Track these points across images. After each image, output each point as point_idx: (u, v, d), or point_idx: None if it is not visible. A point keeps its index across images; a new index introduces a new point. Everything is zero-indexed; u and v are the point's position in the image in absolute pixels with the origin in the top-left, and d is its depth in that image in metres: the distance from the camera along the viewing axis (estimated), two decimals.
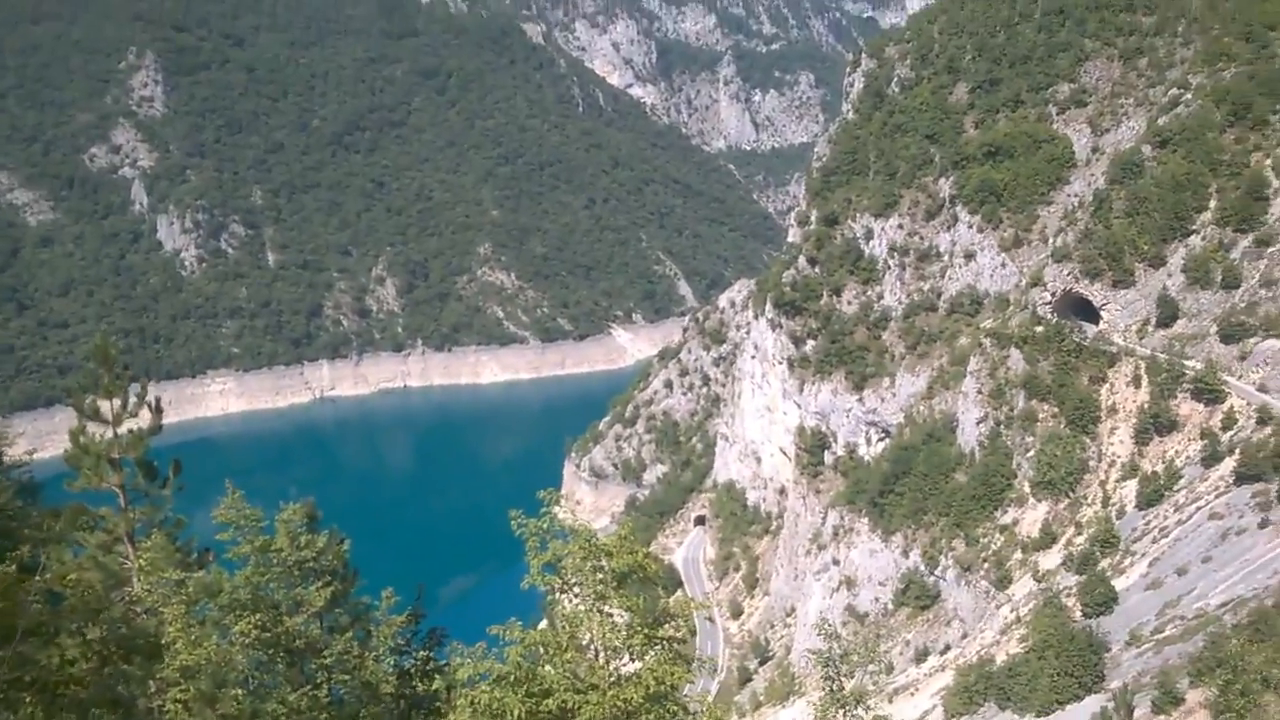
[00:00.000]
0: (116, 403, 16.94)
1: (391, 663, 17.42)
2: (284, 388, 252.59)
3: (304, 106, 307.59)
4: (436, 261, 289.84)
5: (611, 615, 15.19)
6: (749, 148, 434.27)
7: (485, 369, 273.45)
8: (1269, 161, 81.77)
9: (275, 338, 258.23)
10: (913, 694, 77.28)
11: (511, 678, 14.18)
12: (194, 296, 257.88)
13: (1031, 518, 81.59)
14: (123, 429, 17.00)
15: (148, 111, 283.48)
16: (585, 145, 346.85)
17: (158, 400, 17.70)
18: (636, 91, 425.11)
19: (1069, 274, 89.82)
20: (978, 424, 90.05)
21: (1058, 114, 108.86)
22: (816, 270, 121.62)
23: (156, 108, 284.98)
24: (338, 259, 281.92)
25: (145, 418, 17.46)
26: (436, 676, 16.78)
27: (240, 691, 15.29)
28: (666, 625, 15.81)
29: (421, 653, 17.23)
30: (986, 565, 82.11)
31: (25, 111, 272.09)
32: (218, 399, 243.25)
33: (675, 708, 15.04)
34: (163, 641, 14.56)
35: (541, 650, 14.98)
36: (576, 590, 15.43)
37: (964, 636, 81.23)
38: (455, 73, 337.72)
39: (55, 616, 12.46)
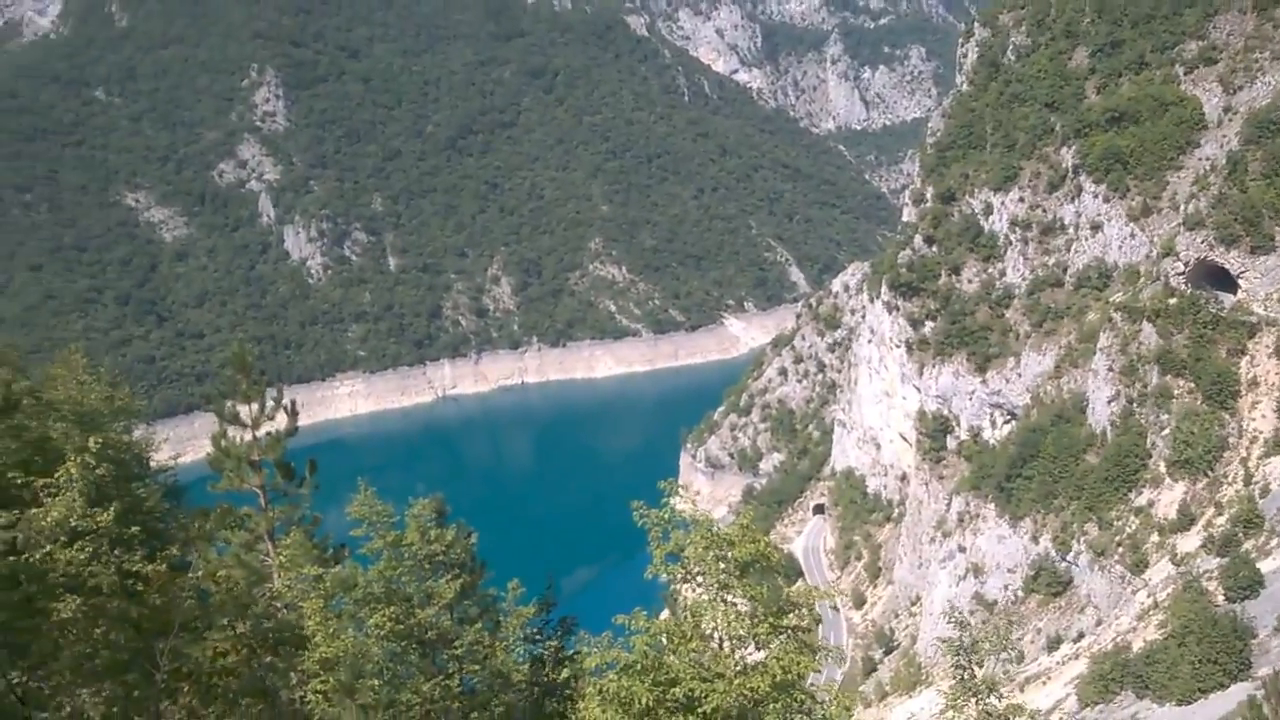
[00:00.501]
0: (254, 407, 17.81)
1: (522, 652, 17.85)
2: (408, 388, 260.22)
3: (418, 113, 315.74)
4: (549, 259, 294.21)
5: (735, 604, 15.24)
6: (859, 127, 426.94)
7: (600, 363, 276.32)
8: None
9: (398, 339, 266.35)
10: (1045, 683, 75.04)
11: (638, 666, 14.37)
12: (321, 303, 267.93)
13: (1168, 498, 78.08)
14: (261, 432, 17.85)
15: (271, 126, 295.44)
16: (692, 135, 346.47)
17: (293, 403, 18.52)
18: (742, 77, 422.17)
19: (1203, 242, 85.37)
20: (1109, 402, 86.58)
21: (1185, 74, 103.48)
22: (934, 249, 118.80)
23: (279, 122, 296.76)
24: (455, 260, 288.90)
25: (281, 421, 18.31)
26: (566, 665, 17.13)
27: (376, 682, 15.92)
28: (790, 614, 15.78)
29: (552, 642, 17.60)
30: (1121, 549, 78.98)
31: (158, 132, 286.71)
32: (346, 400, 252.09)
33: (802, 696, 15.02)
34: (303, 634, 15.27)
35: (666, 639, 15.14)
36: (699, 580, 15.53)
37: (1098, 623, 78.35)
38: (562, 70, 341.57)
39: (206, 612, 13.20)
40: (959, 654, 17.47)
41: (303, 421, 19.14)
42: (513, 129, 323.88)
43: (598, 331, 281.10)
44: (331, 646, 15.33)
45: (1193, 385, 79.73)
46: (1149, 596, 71.25)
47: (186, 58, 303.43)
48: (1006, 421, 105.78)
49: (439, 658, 16.90)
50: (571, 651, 17.26)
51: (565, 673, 17.01)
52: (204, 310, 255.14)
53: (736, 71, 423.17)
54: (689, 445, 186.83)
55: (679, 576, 15.81)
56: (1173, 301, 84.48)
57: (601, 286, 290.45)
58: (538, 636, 17.85)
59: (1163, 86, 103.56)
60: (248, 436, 18.05)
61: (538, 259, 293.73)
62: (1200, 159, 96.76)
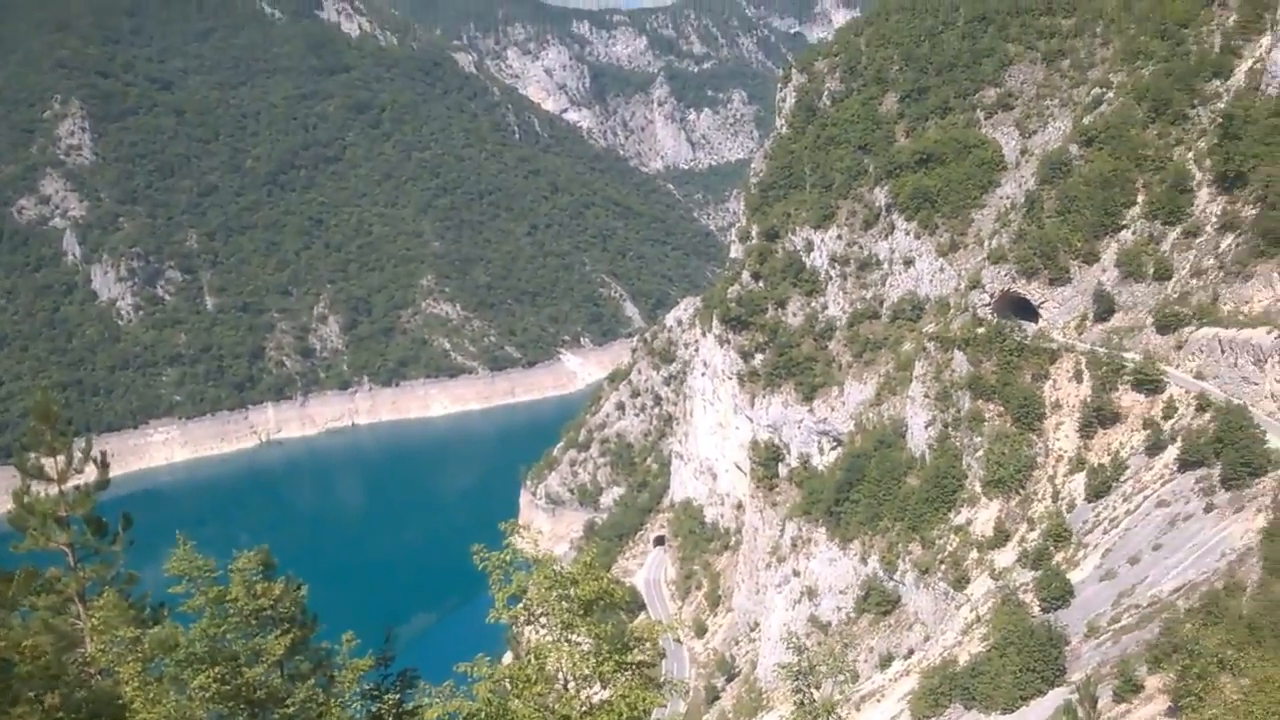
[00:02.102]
0: (61, 459, 16.60)
1: (359, 708, 17.14)
2: (229, 433, 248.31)
3: (236, 147, 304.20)
4: (379, 296, 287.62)
5: (579, 644, 15.13)
6: (686, 167, 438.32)
7: (434, 402, 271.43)
8: (1190, 154, 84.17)
9: (217, 383, 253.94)
10: (879, 700, 77.68)
11: (481, 715, 14.05)
12: (132, 345, 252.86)
13: (984, 516, 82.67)
14: (68, 486, 16.63)
15: (76, 160, 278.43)
16: (523, 172, 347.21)
17: (103, 454, 17.36)
18: (572, 116, 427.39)
19: (1006, 274, 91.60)
20: (926, 427, 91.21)
21: (985, 119, 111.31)
22: (760, 284, 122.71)
23: (85, 155, 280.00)
24: (278, 299, 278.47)
25: (90, 473, 17.13)
26: (407, 719, 16.56)
27: None
28: (634, 650, 15.76)
29: (391, 696, 16.96)
30: (944, 567, 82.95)
31: None
32: (161, 448, 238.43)
33: None
34: (120, 702, 14.24)
35: (510, 684, 14.87)
36: (543, 621, 15.35)
37: (926, 639, 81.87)
38: (388, 106, 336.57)
39: (9, 685, 12.14)
40: (797, 678, 17.81)
41: (114, 472, 18.00)
42: (337, 164, 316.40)
43: (432, 370, 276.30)
44: (152, 713, 14.35)
45: (1002, 409, 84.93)
46: (971, 611, 74.97)
47: None
48: (833, 448, 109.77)
49: (269, 718, 16.03)
50: (411, 705, 16.68)
51: None
52: (2, 355, 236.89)
53: (566, 110, 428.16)
54: (529, 483, 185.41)
55: (522, 619, 15.59)
56: (980, 331, 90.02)
57: (435, 324, 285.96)
58: (375, 691, 17.15)
59: (965, 130, 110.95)
60: (53, 491, 16.80)
61: (367, 296, 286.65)
62: (1001, 197, 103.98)
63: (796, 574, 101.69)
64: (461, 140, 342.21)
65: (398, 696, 16.93)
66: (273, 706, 16.00)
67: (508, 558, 15.81)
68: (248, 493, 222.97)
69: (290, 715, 16.06)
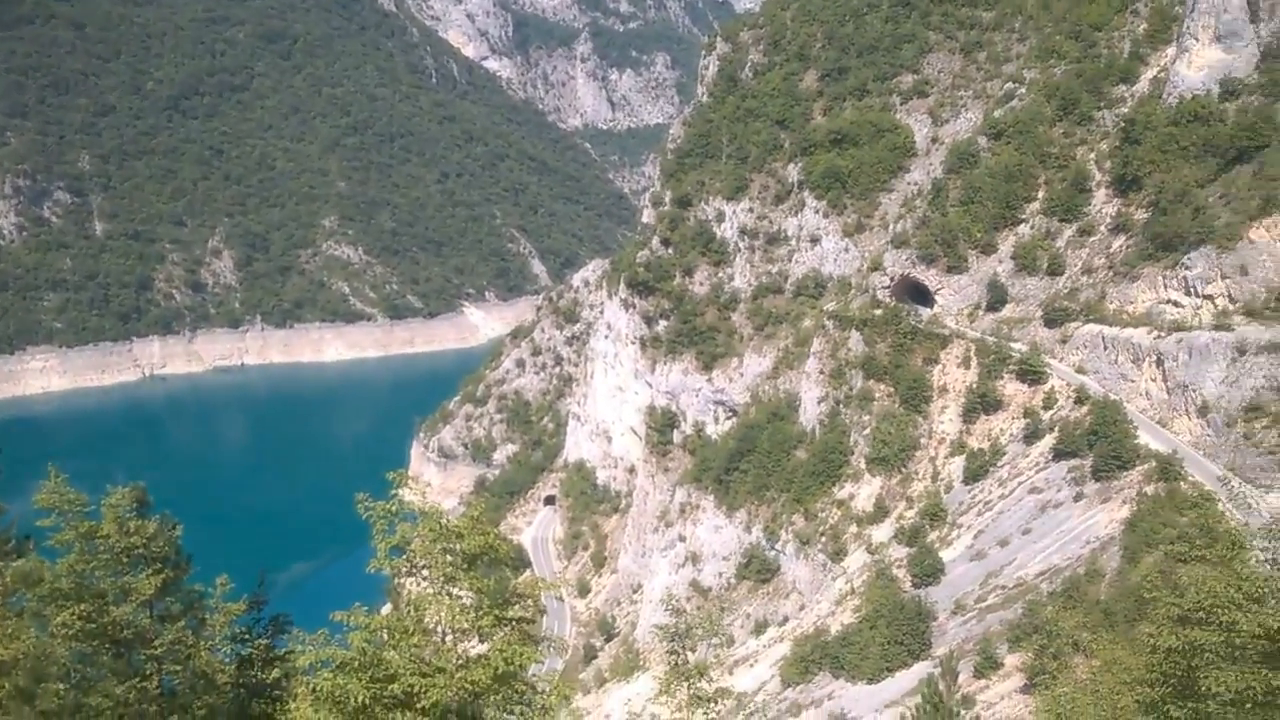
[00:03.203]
0: None
1: (229, 651, 16.85)
2: (111, 365, 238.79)
3: (137, 68, 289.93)
4: (278, 234, 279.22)
5: (460, 597, 15.12)
6: (605, 126, 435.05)
7: (329, 347, 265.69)
8: (1092, 155, 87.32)
9: (101, 312, 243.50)
10: (752, 665, 79.83)
11: (355, 663, 13.95)
12: (13, 267, 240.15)
13: (866, 492, 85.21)
14: None
15: None
16: (438, 117, 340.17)
17: None
18: (492, 64, 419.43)
19: (906, 259, 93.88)
20: (819, 403, 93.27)
21: (901, 104, 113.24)
22: (669, 251, 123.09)
23: None
24: (171, 229, 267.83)
25: None
26: (276, 664, 16.34)
27: (61, 686, 14.53)
28: (515, 606, 15.83)
29: (261, 640, 16.70)
30: (824, 539, 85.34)
31: None
32: (38, 376, 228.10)
33: (522, 687, 15.12)
34: None
35: (386, 635, 14.78)
36: (425, 573, 15.27)
37: (801, 608, 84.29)
38: (301, 37, 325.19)
39: None
40: (673, 640, 18.17)
41: None
42: (243, 94, 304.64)
43: (328, 314, 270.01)
44: (9, 649, 13.85)
45: (891, 390, 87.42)
46: (846, 583, 77.42)
47: None
48: (728, 418, 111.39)
49: (135, 658, 15.62)
50: (283, 650, 16.47)
51: (275, 672, 16.24)
52: None
53: (486, 58, 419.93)
54: (421, 435, 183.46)
55: (403, 570, 15.49)
56: (878, 312, 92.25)
57: (335, 267, 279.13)
58: (246, 635, 16.87)
59: (881, 114, 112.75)
60: None
61: (265, 233, 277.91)
62: (909, 183, 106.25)
63: (682, 539, 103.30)
64: (375, 79, 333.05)
65: (268, 641, 16.68)
66: (139, 646, 15.61)
67: (393, 508, 15.64)
68: (127, 428, 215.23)
69: (157, 656, 15.69)
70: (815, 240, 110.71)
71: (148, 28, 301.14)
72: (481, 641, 15.38)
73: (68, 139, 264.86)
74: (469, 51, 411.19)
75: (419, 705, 13.88)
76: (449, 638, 15.21)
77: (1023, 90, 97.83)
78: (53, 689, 14.21)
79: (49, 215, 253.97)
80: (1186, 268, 68.82)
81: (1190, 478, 57.67)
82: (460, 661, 14.79)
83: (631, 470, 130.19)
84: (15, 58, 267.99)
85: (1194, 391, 63.53)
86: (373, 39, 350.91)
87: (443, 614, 14.96)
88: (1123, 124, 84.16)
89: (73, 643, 14.81)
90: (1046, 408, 74.84)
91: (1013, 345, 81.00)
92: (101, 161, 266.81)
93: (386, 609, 16.23)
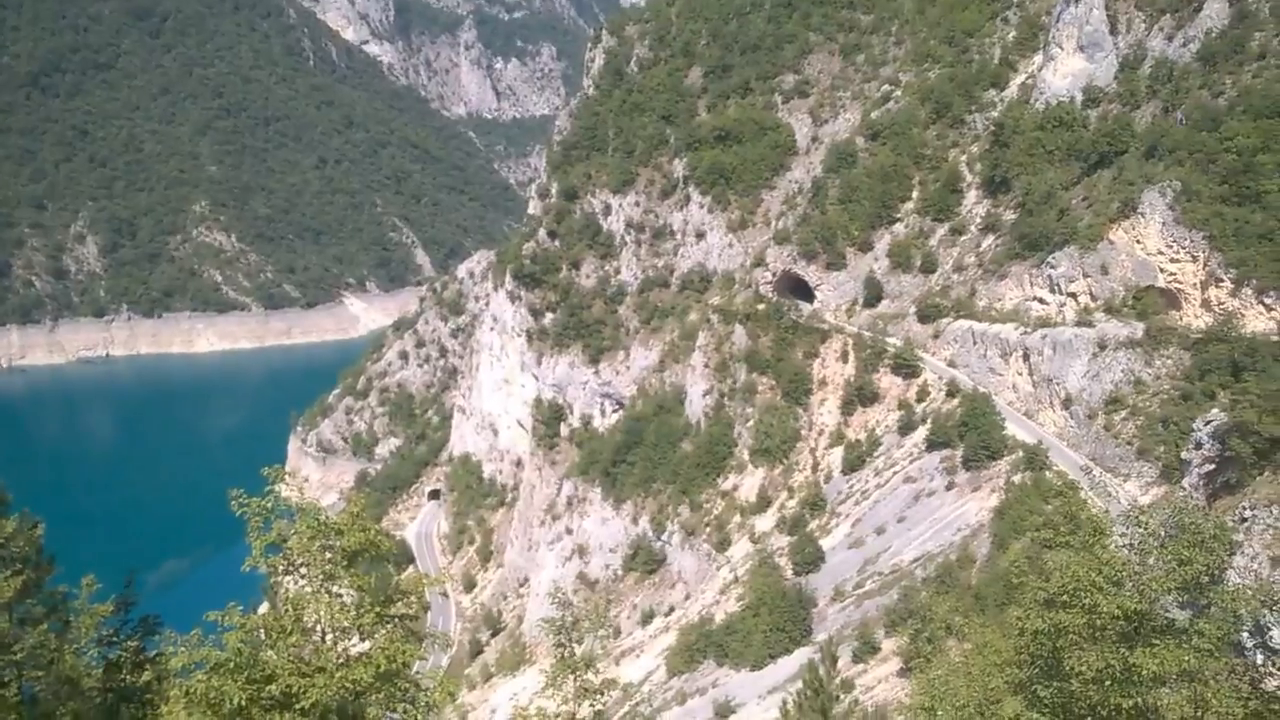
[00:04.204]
0: None
1: (96, 655, 16.09)
2: None
3: None
4: (146, 219, 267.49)
5: (340, 595, 14.78)
6: (490, 116, 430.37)
7: (200, 337, 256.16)
8: (964, 157, 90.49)
9: None
10: (638, 655, 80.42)
11: (230, 664, 13.49)
12: None
13: (750, 483, 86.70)
14: None
15: None
16: (316, 102, 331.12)
17: None
18: (373, 49, 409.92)
19: (788, 255, 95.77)
20: (704, 395, 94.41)
21: (783, 103, 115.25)
22: (556, 243, 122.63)
23: None
24: (30, 213, 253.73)
25: None
26: (147, 667, 15.69)
27: None
28: (398, 603, 15.57)
29: (130, 643, 16.00)
30: (709, 529, 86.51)
31: None
32: None
33: (406, 685, 14.89)
34: None
35: (263, 634, 14.36)
36: (304, 571, 14.87)
37: (687, 598, 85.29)
38: (171, 15, 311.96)
39: None
40: (560, 633, 18.13)
41: None
42: (109, 72, 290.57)
43: (200, 303, 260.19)
44: None
45: (774, 383, 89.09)
46: (731, 572, 78.63)
47: None
48: (615, 411, 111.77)
49: None
50: (154, 653, 15.82)
51: (146, 675, 15.60)
52: None
53: (367, 43, 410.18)
54: (299, 429, 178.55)
55: (281, 568, 15.05)
56: (761, 307, 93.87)
57: (206, 254, 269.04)
58: (114, 638, 16.14)
59: (763, 112, 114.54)
60: None
61: (132, 219, 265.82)
62: (790, 181, 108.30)
63: (569, 532, 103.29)
64: (250, 61, 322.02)
65: (138, 643, 16.00)
66: None
67: (269, 505, 15.17)
68: None
69: (17, 662, 14.92)
70: (700, 235, 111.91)
71: (3, 0, 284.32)
72: (363, 640, 15.08)
73: None
74: (349, 35, 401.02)
75: (298, 706, 13.53)
76: (329, 636, 14.87)
77: (899, 93, 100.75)
78: None
79: None
80: (1051, 266, 72.02)
81: (1055, 467, 60.44)
82: (341, 660, 14.48)
83: (518, 463, 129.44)
84: None
85: (1058, 385, 66.59)
86: (247, 19, 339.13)
87: (322, 612, 14.62)
88: (993, 127, 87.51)
89: None
90: (920, 400, 77.39)
91: (888, 340, 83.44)
92: None
93: (264, 608, 15.75)
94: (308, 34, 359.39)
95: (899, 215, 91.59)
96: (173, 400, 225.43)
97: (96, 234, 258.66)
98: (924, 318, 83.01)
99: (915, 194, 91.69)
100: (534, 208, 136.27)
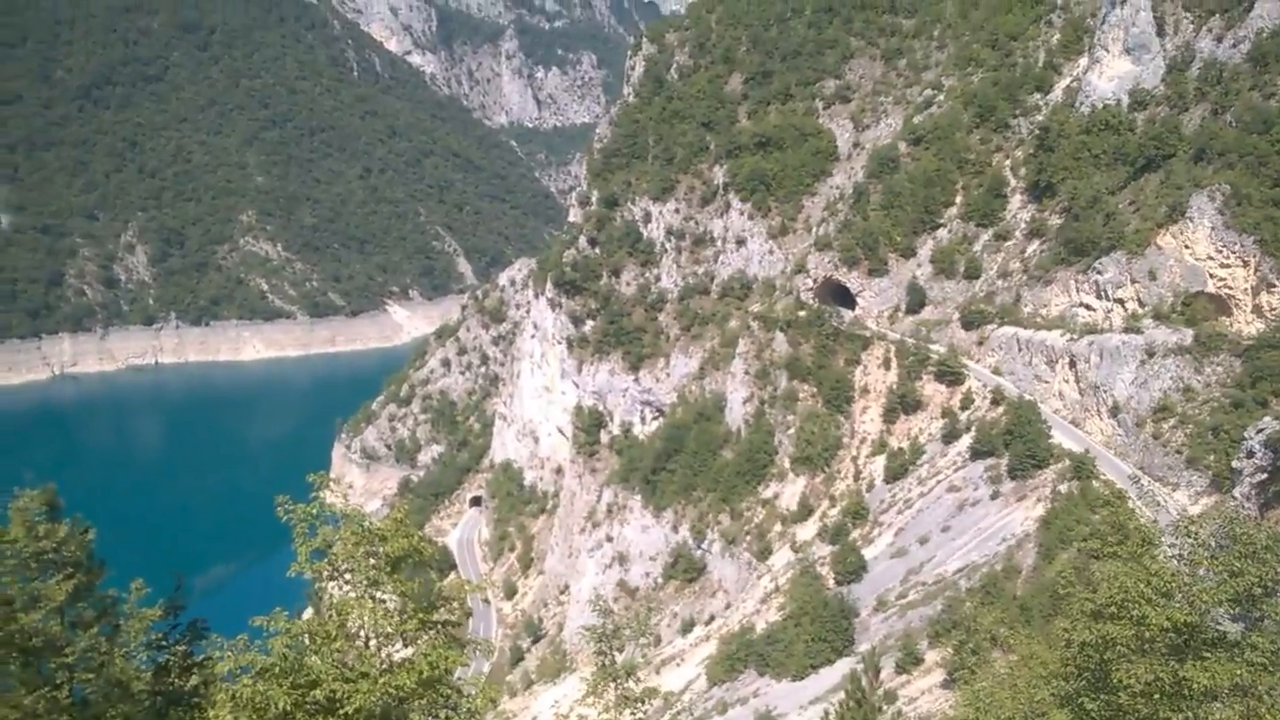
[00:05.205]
0: None
1: (145, 658, 16.36)
2: (19, 363, 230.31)
3: (46, 55, 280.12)
4: (194, 229, 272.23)
5: (384, 601, 14.92)
6: (531, 125, 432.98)
7: (247, 345, 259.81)
8: (1008, 162, 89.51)
9: (9, 308, 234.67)
10: (679, 664, 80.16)
11: (276, 669, 13.69)
12: None
13: (791, 491, 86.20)
14: None
15: None
16: (360, 112, 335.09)
17: None
18: (416, 60, 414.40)
19: (829, 262, 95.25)
20: (744, 403, 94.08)
21: (824, 109, 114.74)
22: (597, 251, 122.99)
23: None
24: (82, 223, 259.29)
25: None
26: (195, 671, 15.93)
27: None
28: (440, 609, 15.69)
29: (179, 647, 16.25)
30: (749, 538, 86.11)
31: None
32: None
33: (448, 691, 14.99)
34: None
35: (308, 640, 14.53)
36: (348, 577, 15.05)
37: (727, 607, 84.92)
38: (218, 28, 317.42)
39: None
40: (600, 640, 18.15)
41: None
42: (158, 84, 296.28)
43: (247, 311, 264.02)
44: None
45: (815, 390, 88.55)
46: (771, 581, 78.19)
47: None
48: (655, 418, 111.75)
49: (45, 667, 15.08)
50: (201, 657, 16.06)
51: (194, 679, 15.83)
52: None
53: (409, 53, 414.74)
54: (344, 436, 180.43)
55: (325, 574, 15.24)
56: (802, 314, 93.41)
57: (253, 263, 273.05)
58: (162, 642, 16.40)
59: (804, 118, 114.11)
60: None
61: (181, 228, 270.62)
62: (831, 187, 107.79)
63: (610, 539, 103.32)
64: (295, 72, 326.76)
65: (186, 648, 16.25)
66: (50, 655, 15.07)
67: (315, 511, 15.38)
68: (36, 428, 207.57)
69: (68, 664, 15.17)
70: (741, 242, 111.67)
71: (56, 14, 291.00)
72: (406, 646, 15.21)
73: None
74: (392, 46, 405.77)
75: (342, 711, 13.67)
76: (373, 642, 15.02)
77: (941, 97, 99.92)
78: None
79: None
80: (1098, 272, 70.97)
81: (1103, 476, 59.45)
82: (384, 666, 14.61)
83: (559, 471, 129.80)
84: None
85: (1105, 393, 65.54)
86: (293, 31, 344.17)
87: (366, 618, 14.77)
88: (1037, 131, 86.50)
89: None
90: (964, 408, 76.54)
91: (932, 347, 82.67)
92: (8, 152, 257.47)
93: (308, 614, 15.94)
94: (352, 45, 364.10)
95: (942, 221, 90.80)
96: (220, 407, 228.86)
97: (146, 243, 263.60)
98: (968, 324, 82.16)
99: (959, 199, 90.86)
100: (574, 215, 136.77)
